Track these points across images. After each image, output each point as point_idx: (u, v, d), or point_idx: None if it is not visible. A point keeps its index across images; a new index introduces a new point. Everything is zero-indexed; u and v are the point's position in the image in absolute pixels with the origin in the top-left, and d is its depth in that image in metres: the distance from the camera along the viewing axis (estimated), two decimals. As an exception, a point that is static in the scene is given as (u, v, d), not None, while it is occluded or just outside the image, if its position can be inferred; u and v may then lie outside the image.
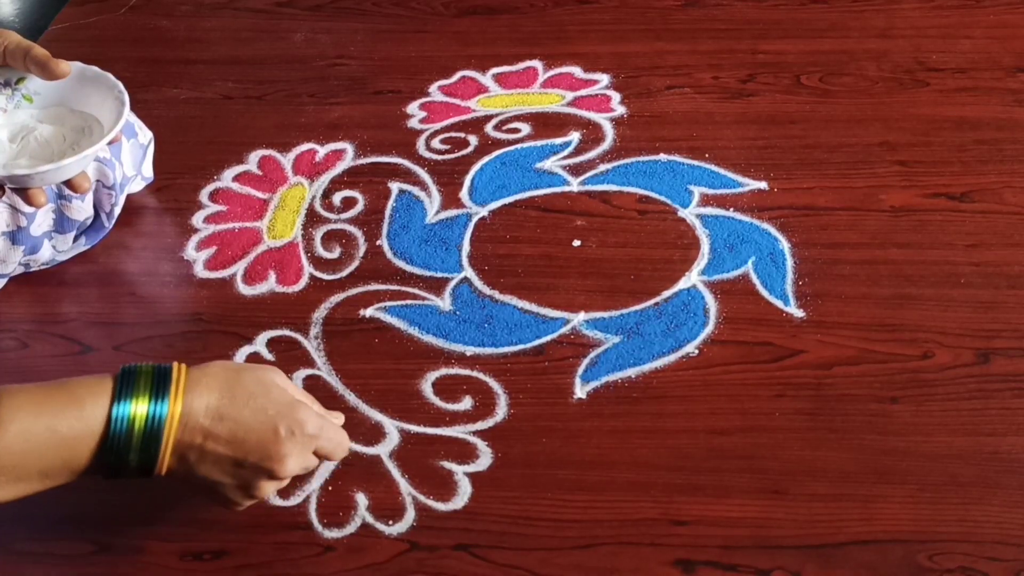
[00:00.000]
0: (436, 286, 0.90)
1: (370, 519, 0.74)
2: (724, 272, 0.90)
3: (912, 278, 0.89)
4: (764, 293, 0.88)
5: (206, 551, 0.72)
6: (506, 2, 1.26)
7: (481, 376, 0.83)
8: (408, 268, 0.92)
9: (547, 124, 1.07)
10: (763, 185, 0.98)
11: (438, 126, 1.08)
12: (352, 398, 0.82)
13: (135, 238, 0.97)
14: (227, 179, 1.02)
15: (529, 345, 0.85)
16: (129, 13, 1.28)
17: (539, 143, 1.05)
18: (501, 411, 0.80)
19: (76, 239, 0.93)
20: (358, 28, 1.24)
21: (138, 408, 0.61)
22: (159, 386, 0.62)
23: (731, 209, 0.96)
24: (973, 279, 0.88)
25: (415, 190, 1.00)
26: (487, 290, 0.90)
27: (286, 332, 0.87)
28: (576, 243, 0.94)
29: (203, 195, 1.01)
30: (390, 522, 0.73)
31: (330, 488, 0.75)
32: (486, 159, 1.03)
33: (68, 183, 0.79)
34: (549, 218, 0.97)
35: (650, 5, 1.24)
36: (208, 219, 0.98)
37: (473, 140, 1.06)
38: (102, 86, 0.81)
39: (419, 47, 1.20)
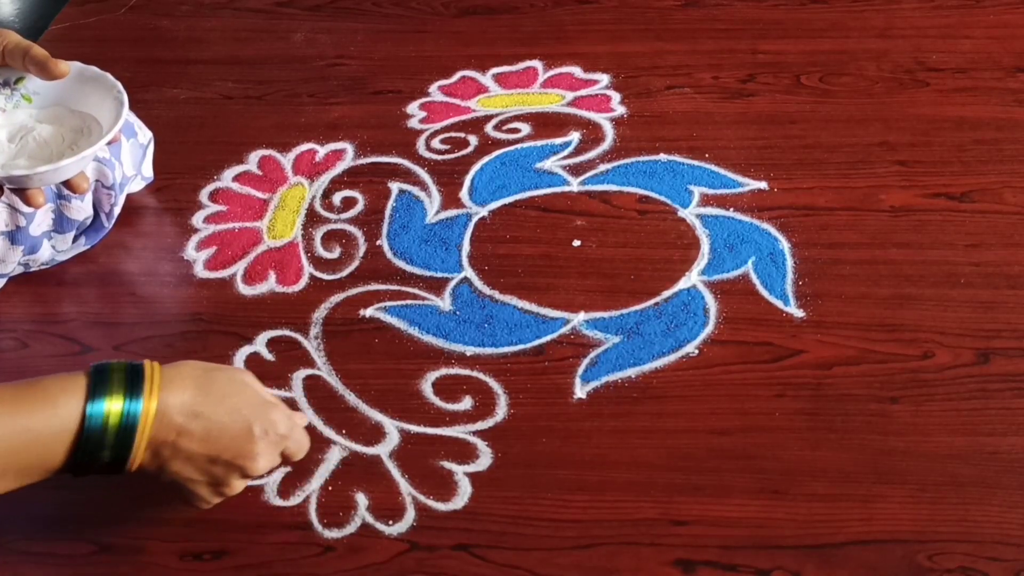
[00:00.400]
0: (436, 286, 0.90)
1: (370, 519, 0.74)
2: (724, 272, 0.90)
3: (912, 278, 0.89)
4: (764, 293, 0.88)
5: (206, 551, 0.72)
6: (506, 2, 1.26)
7: (481, 376, 0.83)
8: (408, 268, 0.92)
9: (547, 124, 1.07)
10: (763, 185, 0.98)
11: (438, 126, 1.08)
12: (352, 398, 0.82)
13: (135, 238, 0.97)
14: (227, 179, 1.02)
15: (529, 345, 0.85)
16: (129, 13, 1.28)
17: (539, 143, 1.05)
18: (501, 411, 0.80)
19: (76, 239, 0.93)
20: (358, 28, 1.24)
21: (112, 405, 0.61)
22: (133, 383, 0.62)
23: (731, 209, 0.96)
24: (973, 279, 0.88)
25: (415, 190, 1.00)
26: (487, 290, 0.90)
27: (286, 332, 0.87)
28: (576, 243, 0.94)
29: (203, 195, 1.01)
30: (390, 522, 0.73)
31: (330, 488, 0.75)
32: (486, 159, 1.03)
33: (67, 183, 0.79)
34: (549, 218, 0.96)
35: (650, 5, 1.24)
36: (208, 219, 0.98)
37: (473, 140, 1.05)
38: (101, 86, 0.81)
39: (419, 47, 1.20)
